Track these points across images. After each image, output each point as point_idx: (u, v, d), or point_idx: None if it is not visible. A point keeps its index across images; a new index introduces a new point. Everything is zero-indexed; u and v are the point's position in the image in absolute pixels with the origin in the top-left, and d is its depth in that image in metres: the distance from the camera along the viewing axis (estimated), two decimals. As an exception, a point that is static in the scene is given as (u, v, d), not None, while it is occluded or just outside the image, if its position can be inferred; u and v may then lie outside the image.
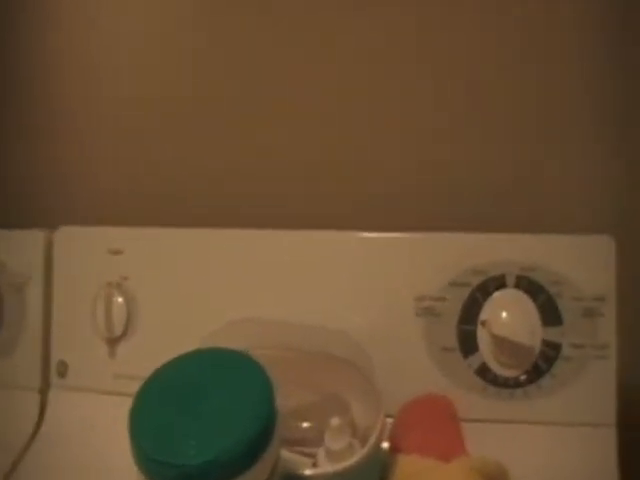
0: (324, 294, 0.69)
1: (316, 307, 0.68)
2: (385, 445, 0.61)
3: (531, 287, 0.65)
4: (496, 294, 0.66)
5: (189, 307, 0.73)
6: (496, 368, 0.66)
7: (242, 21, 0.76)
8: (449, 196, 0.73)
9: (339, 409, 0.58)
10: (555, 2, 0.69)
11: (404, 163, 0.74)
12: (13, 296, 0.77)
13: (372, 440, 0.55)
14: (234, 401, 0.46)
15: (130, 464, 0.68)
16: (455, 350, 0.67)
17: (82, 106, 0.82)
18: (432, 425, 0.64)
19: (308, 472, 0.53)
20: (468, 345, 0.66)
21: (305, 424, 0.59)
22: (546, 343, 0.64)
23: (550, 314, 0.64)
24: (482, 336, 0.66)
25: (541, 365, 0.65)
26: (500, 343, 0.64)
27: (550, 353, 0.65)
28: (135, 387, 0.75)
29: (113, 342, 0.75)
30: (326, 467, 0.54)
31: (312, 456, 0.57)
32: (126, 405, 0.74)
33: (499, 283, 0.65)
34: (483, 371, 0.66)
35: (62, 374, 0.76)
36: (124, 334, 0.74)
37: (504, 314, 0.65)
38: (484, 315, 0.66)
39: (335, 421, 0.54)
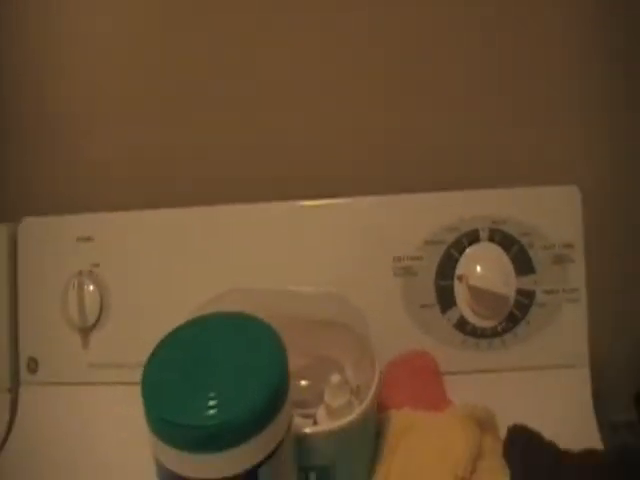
0: (304, 262, 0.69)
1: (296, 276, 0.68)
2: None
3: (503, 239, 0.67)
4: (470, 249, 0.68)
5: (162, 291, 0.72)
6: (474, 320, 0.68)
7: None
8: (417, 159, 0.75)
9: (334, 370, 0.58)
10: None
11: (374, 130, 0.76)
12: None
13: (370, 394, 0.56)
14: (247, 362, 0.46)
15: (110, 454, 0.68)
16: (433, 306, 0.69)
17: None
18: (417, 382, 0.66)
19: (309, 430, 0.54)
20: (446, 300, 0.68)
21: (303, 382, 0.60)
22: (520, 292, 0.67)
23: (523, 264, 0.67)
24: (459, 291, 0.68)
25: (516, 313, 0.68)
26: (477, 295, 0.67)
27: (524, 301, 0.67)
28: (111, 375, 0.74)
29: (86, 331, 0.73)
30: (328, 424, 0.55)
31: (310, 417, 0.58)
32: (103, 394, 0.73)
33: (473, 238, 0.68)
34: (462, 324, 0.68)
35: (33, 370, 0.74)
36: (97, 322, 0.73)
37: (479, 267, 0.67)
38: (460, 270, 0.68)
39: (335, 378, 0.55)
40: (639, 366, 0.76)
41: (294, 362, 0.60)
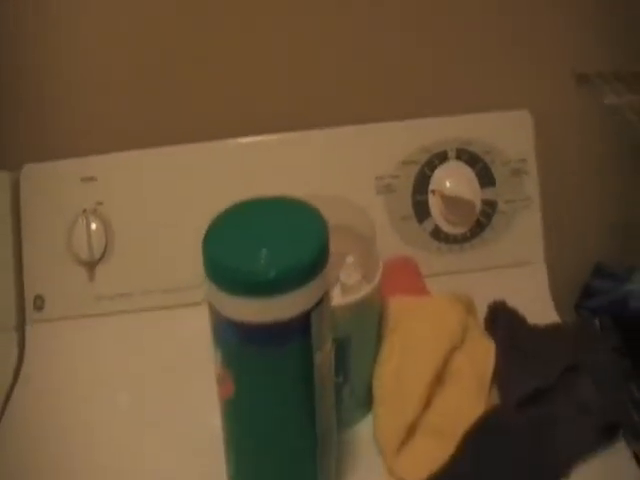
0: (297, 187, 0.75)
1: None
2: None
3: (469, 158, 0.79)
4: (441, 167, 0.79)
5: (164, 224, 0.77)
6: (447, 228, 0.79)
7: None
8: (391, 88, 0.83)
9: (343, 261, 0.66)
10: None
11: (354, 67, 0.81)
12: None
13: (377, 276, 0.64)
14: (297, 224, 0.53)
15: (121, 387, 0.70)
16: (411, 218, 0.79)
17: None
18: (404, 278, 0.75)
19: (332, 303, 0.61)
20: (421, 212, 0.79)
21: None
22: (485, 202, 0.79)
23: (486, 178, 0.79)
24: (433, 203, 0.79)
25: (482, 221, 0.79)
26: (449, 203, 0.77)
27: (488, 210, 0.79)
28: (118, 304, 0.78)
29: (92, 266, 0.76)
30: (344, 299, 0.63)
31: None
32: (111, 324, 0.77)
33: (442, 157, 0.79)
34: (436, 232, 0.79)
35: (39, 308, 0.76)
36: (102, 257, 0.76)
37: (449, 182, 0.78)
38: (433, 185, 0.79)
39: (349, 259, 0.63)
40: (588, 259, 0.88)
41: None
